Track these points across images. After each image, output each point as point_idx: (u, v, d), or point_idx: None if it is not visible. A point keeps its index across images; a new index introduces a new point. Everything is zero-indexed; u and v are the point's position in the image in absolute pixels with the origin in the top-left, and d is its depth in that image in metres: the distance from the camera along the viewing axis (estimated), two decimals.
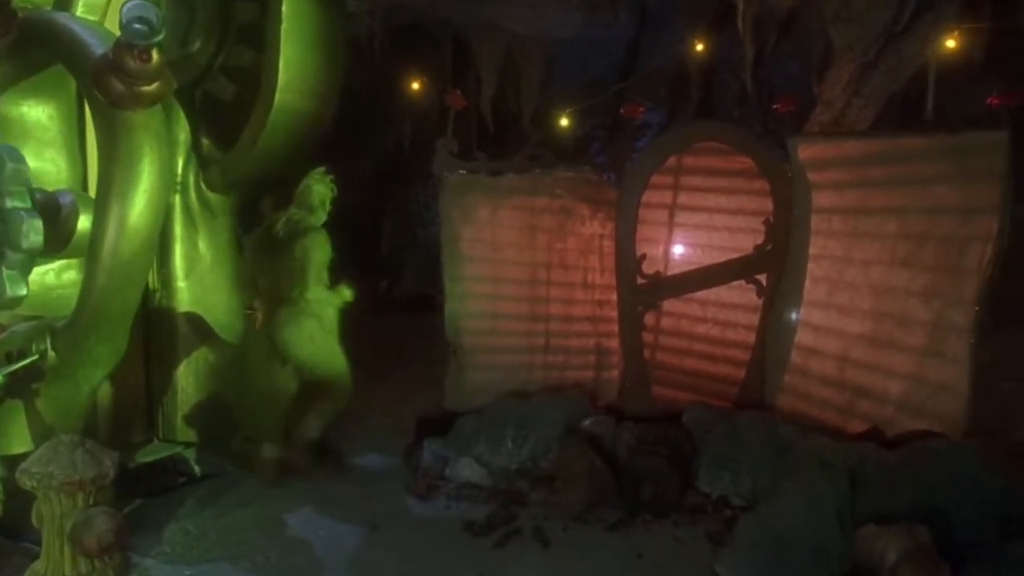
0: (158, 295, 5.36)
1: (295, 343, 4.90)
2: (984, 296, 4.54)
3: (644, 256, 5.87)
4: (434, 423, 5.60)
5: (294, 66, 4.87)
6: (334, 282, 5.15)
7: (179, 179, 5.33)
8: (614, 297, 5.98)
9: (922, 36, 5.82)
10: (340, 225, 5.23)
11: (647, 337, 6.13)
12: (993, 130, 4.54)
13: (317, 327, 4.97)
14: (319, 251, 4.97)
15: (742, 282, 5.74)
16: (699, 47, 8.62)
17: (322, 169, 5.04)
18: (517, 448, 5.07)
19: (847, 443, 4.40)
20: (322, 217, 5.04)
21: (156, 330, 5.36)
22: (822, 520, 3.76)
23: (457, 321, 5.78)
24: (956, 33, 5.65)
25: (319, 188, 4.99)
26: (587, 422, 5.09)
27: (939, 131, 4.84)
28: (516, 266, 5.90)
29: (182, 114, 5.30)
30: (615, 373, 6.08)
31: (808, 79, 7.77)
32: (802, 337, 5.32)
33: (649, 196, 5.90)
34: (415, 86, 9.48)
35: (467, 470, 5.06)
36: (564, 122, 8.62)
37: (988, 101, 4.64)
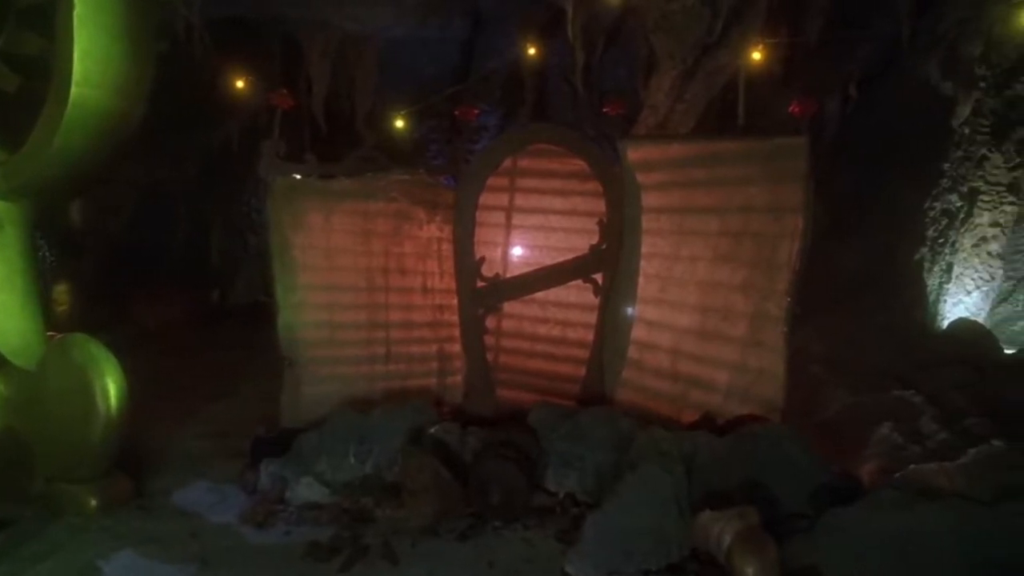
0: None
1: None
2: (794, 288, 4.93)
3: (483, 259, 5.86)
4: (271, 443, 5.25)
5: (92, 57, 4.34)
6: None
7: None
8: (454, 301, 5.94)
9: (733, 47, 6.27)
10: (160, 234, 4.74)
11: (489, 340, 6.13)
12: (795, 135, 4.94)
13: None
14: None
15: (580, 282, 5.86)
16: (532, 51, 8.78)
17: None
18: (360, 463, 4.86)
19: (681, 432, 4.61)
20: None
21: None
22: (662, 509, 3.89)
23: (292, 332, 5.47)
24: (761, 46, 6.12)
25: None
26: (432, 430, 4.97)
27: (749, 136, 5.20)
28: (352, 273, 5.69)
29: None
30: (459, 378, 6.02)
31: (635, 84, 8.16)
32: (637, 333, 5.53)
33: (486, 198, 5.91)
34: (242, 84, 8.90)
35: (308, 490, 4.78)
36: (400, 124, 8.47)
37: (789, 109, 5.04)
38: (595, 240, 5.74)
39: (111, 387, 4.52)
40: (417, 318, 5.95)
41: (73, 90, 4.33)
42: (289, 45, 10.15)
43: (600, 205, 5.70)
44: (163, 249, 11.52)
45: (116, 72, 4.53)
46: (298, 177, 5.59)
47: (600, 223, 5.69)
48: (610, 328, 5.66)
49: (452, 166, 6.69)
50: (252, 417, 5.98)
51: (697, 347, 5.28)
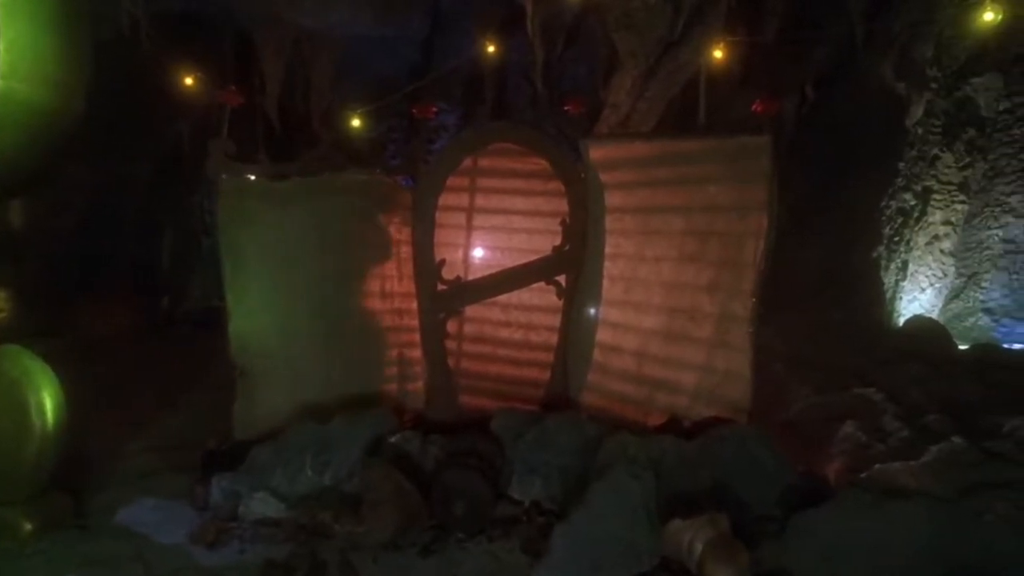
0: None
1: None
2: (759, 287, 4.90)
3: (443, 261, 5.71)
4: (223, 456, 5.02)
5: (20, 49, 4.05)
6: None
7: None
8: (414, 305, 5.76)
9: (694, 46, 6.24)
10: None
11: (450, 344, 5.97)
12: (758, 134, 4.90)
13: None
14: None
15: (543, 284, 5.75)
16: (491, 49, 8.67)
17: None
18: (318, 475, 4.67)
19: (648, 437, 4.53)
20: None
21: None
22: (631, 518, 3.80)
23: (243, 340, 5.23)
24: (723, 45, 6.11)
25: None
26: (392, 439, 4.80)
27: (713, 134, 5.15)
28: (307, 277, 5.46)
29: None
30: (420, 384, 5.85)
31: (594, 83, 8.10)
32: (602, 335, 5.44)
33: (446, 199, 5.75)
34: (194, 82, 8.59)
35: (263, 506, 4.56)
36: (357, 123, 8.27)
37: (752, 108, 5.01)
38: (558, 241, 5.63)
39: (47, 402, 4.26)
40: (376, 323, 5.75)
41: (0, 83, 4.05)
42: (242, 41, 9.88)
43: (563, 205, 5.59)
44: (112, 252, 11.12)
45: (47, 65, 4.25)
46: (250, 177, 5.36)
47: (563, 224, 5.58)
48: (574, 331, 5.55)
49: (410, 166, 6.52)
50: (203, 428, 5.74)
51: (663, 349, 5.21)
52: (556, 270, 5.63)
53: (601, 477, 3.96)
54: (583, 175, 5.45)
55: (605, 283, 5.42)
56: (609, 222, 5.36)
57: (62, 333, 8.63)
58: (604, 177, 5.33)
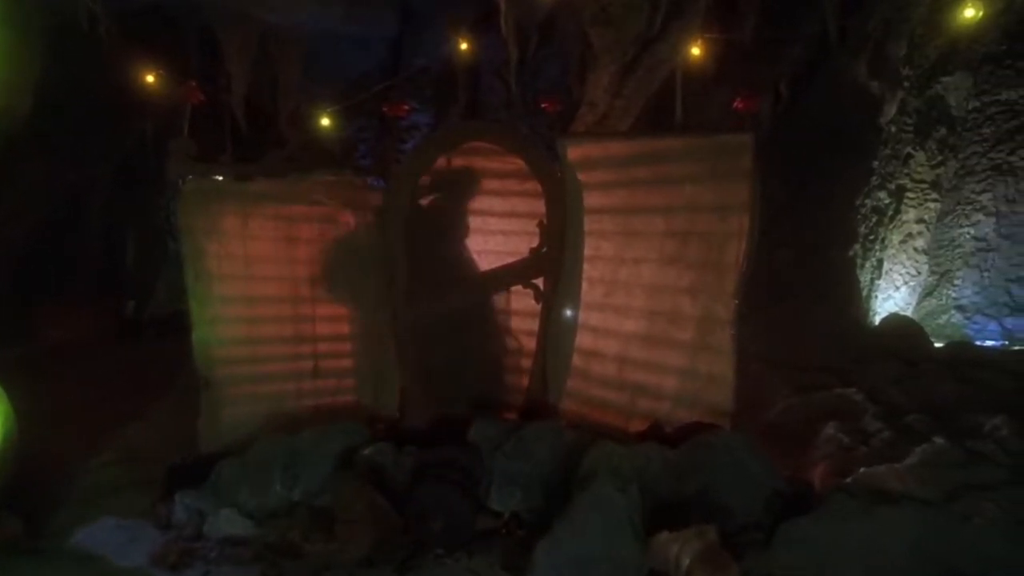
0: None
1: None
2: (741, 289, 4.80)
3: (416, 264, 5.50)
4: (188, 470, 4.79)
5: None
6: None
7: None
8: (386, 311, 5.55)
9: (673, 41, 6.13)
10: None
11: None
12: (739, 132, 4.81)
13: None
14: None
15: (520, 287, 5.59)
16: (463, 47, 8.51)
17: None
18: (287, 490, 4.47)
19: (632, 446, 4.40)
20: None
21: None
22: (616, 532, 3.66)
23: (208, 349, 5.01)
24: (700, 41, 6.01)
25: None
26: (366, 451, 4.61)
27: (694, 133, 5.05)
28: (274, 283, 5.27)
29: None
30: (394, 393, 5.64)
31: (568, 82, 7.98)
32: (582, 340, 5.30)
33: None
34: (157, 80, 8.32)
35: (228, 524, 4.35)
36: (326, 123, 8.05)
37: (733, 105, 4.92)
38: (536, 243, 5.47)
39: None
40: (347, 330, 5.55)
41: None
42: (208, 38, 9.60)
43: (540, 206, 5.44)
44: (74, 256, 10.83)
45: None
46: (218, 178, 5.14)
47: (540, 225, 5.43)
48: (553, 336, 5.40)
49: (381, 166, 6.32)
50: (169, 439, 5.51)
51: (644, 353, 5.10)
52: (534, 273, 5.48)
53: (584, 489, 3.82)
54: (560, 175, 5.30)
55: (584, 286, 5.28)
56: (588, 223, 5.23)
57: (19, 341, 8.36)
58: (582, 177, 5.19)
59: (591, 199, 5.21)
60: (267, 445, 4.68)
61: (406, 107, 7.13)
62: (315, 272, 5.42)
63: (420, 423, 5.35)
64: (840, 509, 3.98)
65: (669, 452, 4.35)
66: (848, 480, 4.53)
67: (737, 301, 4.80)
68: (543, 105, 5.86)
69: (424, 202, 5.82)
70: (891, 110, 8.76)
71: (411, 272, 5.42)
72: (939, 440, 4.74)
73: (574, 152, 5.19)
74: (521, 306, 5.76)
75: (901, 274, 8.77)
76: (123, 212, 11.41)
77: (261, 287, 5.23)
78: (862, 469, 4.61)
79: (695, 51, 5.99)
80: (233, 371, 5.08)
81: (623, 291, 5.17)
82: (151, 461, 5.25)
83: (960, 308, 8.33)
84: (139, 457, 5.52)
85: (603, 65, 6.43)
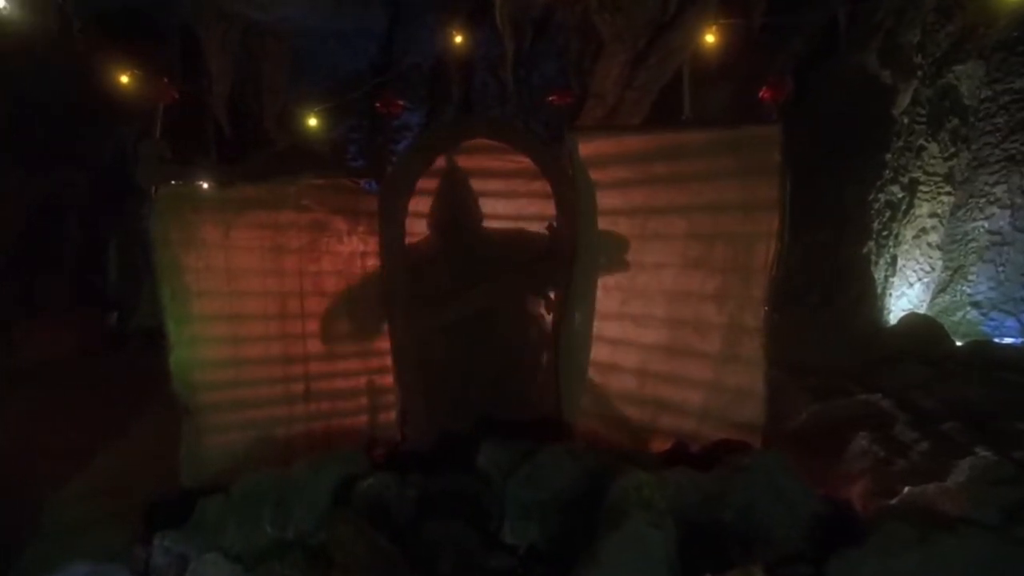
0: None
1: None
2: (771, 294, 4.47)
3: (416, 274, 5.12)
4: (169, 507, 4.37)
5: None
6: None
7: None
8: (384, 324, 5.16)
9: (687, 28, 5.77)
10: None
11: None
12: (767, 124, 4.47)
13: None
14: None
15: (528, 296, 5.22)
16: (457, 42, 8.15)
17: None
18: (278, 530, 4.05)
19: (660, 472, 4.01)
20: None
21: None
22: (652, 574, 3.27)
23: (188, 373, 4.58)
24: (715, 29, 5.66)
25: None
26: (364, 484, 4.19)
27: (717, 125, 4.70)
28: (261, 298, 4.84)
29: None
30: (394, 413, 5.26)
31: (566, 77, 7.66)
32: (598, 353, 4.92)
33: (417, 204, 5.16)
34: (135, 82, 7.94)
35: (214, 569, 3.92)
36: (314, 123, 7.69)
37: (760, 95, 4.58)
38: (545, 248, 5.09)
39: None
40: (342, 348, 5.15)
41: None
42: (189, 37, 9.24)
43: (549, 208, 5.05)
44: (52, 267, 10.50)
45: None
46: (195, 184, 4.73)
47: (550, 228, 5.04)
48: (566, 349, 5.01)
49: (374, 168, 5.94)
50: (147, 468, 5.10)
51: (666, 366, 4.75)
52: (544, 281, 5.10)
53: (614, 526, 3.42)
54: (572, 174, 4.91)
55: (599, 294, 4.90)
56: (602, 225, 4.85)
57: None
58: (595, 175, 4.80)
59: (605, 199, 4.83)
60: (255, 478, 4.26)
61: (400, 103, 6.75)
62: (305, 285, 5.01)
63: (423, 446, 4.96)
64: (894, 539, 3.60)
65: (701, 477, 3.98)
66: (894, 502, 4.20)
67: (767, 308, 4.47)
68: (551, 98, 5.49)
69: (422, 206, 5.42)
70: (904, 100, 8.51)
71: (409, 282, 5.03)
72: (985, 453, 4.43)
73: (586, 148, 4.79)
74: (530, 316, 5.38)
75: (915, 270, 8.57)
76: (103, 221, 11.04)
77: (246, 303, 4.81)
78: (907, 488, 4.27)
79: (710, 39, 5.63)
80: (216, 397, 4.67)
81: (642, 299, 4.81)
82: (129, 492, 4.84)
83: (975, 304, 8.12)
84: (118, 485, 5.12)
85: (611, 55, 6.04)
